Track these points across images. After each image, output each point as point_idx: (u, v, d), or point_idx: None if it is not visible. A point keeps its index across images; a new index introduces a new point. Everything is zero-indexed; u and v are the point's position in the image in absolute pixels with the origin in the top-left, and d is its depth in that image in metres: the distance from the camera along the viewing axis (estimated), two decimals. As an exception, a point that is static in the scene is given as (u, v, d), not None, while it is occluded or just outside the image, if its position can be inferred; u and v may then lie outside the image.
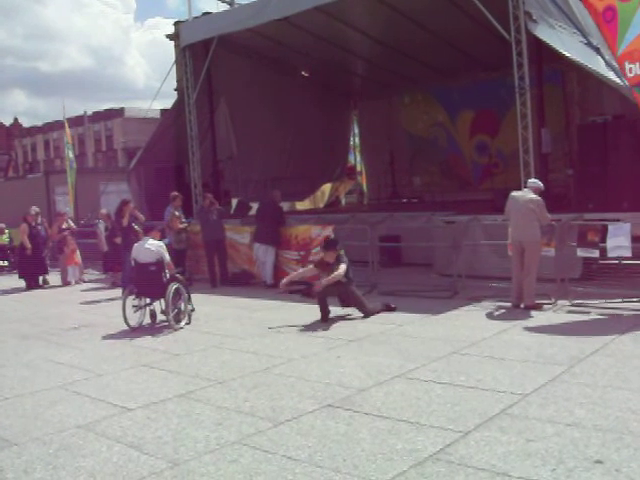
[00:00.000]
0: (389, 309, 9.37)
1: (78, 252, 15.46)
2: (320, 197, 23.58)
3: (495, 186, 18.12)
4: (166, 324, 9.23)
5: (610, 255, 8.84)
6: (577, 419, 4.78)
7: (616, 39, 8.35)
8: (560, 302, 9.08)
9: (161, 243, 9.71)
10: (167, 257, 9.53)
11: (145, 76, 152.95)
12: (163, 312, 9.31)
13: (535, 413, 4.98)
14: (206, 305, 10.63)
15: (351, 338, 7.93)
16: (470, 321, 8.52)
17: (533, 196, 8.98)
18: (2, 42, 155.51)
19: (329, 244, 9.62)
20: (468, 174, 21.30)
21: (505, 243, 9.43)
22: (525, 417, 4.91)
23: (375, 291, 10.84)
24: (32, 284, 14.86)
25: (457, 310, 9.27)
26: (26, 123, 79.29)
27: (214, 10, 17.21)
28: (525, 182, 9.90)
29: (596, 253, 9.02)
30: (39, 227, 15.32)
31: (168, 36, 36.14)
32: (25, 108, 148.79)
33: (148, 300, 9.48)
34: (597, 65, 10.11)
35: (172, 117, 17.92)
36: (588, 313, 8.54)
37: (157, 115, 40.58)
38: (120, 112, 61.87)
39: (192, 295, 9.80)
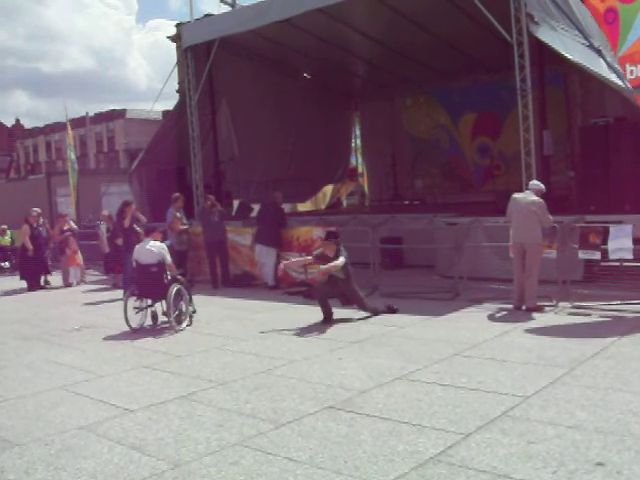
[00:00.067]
0: (391, 311, 9.37)
1: (79, 253, 15.49)
2: (322, 199, 23.57)
3: (497, 188, 18.11)
4: (167, 325, 9.23)
5: (612, 257, 8.85)
6: (578, 421, 4.78)
7: (617, 41, 8.38)
8: (561, 304, 9.08)
9: (163, 244, 9.71)
10: (168, 258, 9.53)
11: (147, 77, 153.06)
12: (164, 313, 9.32)
13: (536, 415, 4.97)
14: (207, 306, 10.64)
15: (353, 340, 7.93)
16: (472, 323, 8.52)
17: (535, 198, 8.98)
18: (4, 43, 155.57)
19: (329, 234, 9.64)
20: (470, 176, 21.30)
21: (507, 245, 9.43)
22: (526, 419, 4.91)
23: (377, 293, 10.83)
24: (33, 285, 14.87)
25: (459, 312, 9.27)
26: (28, 124, 79.32)
27: (216, 12, 17.26)
28: (527, 184, 9.90)
29: (598, 255, 9.01)
30: (40, 228, 15.35)
31: (170, 38, 36.26)
32: (27, 109, 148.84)
33: (149, 301, 9.49)
34: (599, 67, 10.12)
35: (174, 118, 17.92)
36: (589, 315, 8.53)
37: (159, 116, 40.66)
38: (122, 113, 61.91)
39: (193, 296, 9.80)
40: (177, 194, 13.90)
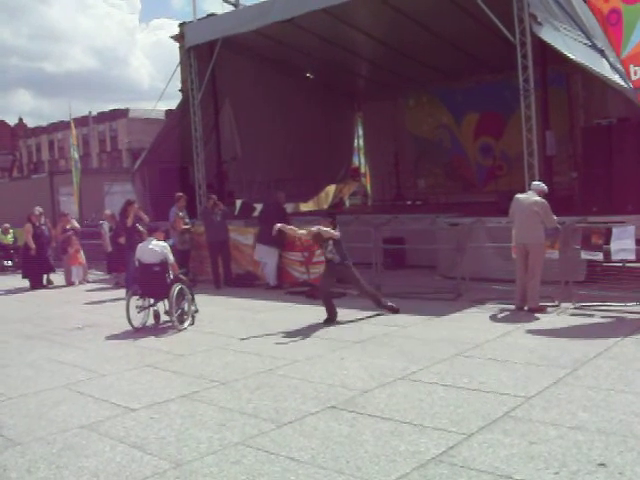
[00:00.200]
0: (393, 310, 9.36)
1: (82, 252, 15.50)
2: (324, 198, 23.57)
3: (499, 188, 18.10)
4: (170, 325, 9.24)
5: (614, 258, 8.84)
6: (580, 422, 4.78)
7: (621, 42, 8.36)
8: (564, 305, 9.07)
9: (165, 244, 9.72)
10: (171, 258, 9.53)
11: (150, 77, 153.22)
12: (167, 313, 9.32)
13: (538, 416, 4.97)
14: (210, 306, 10.64)
15: (355, 340, 7.93)
16: (474, 323, 8.51)
17: (537, 198, 8.97)
18: (7, 42, 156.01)
19: (328, 214, 9.62)
20: (472, 176, 21.29)
21: (509, 245, 9.42)
22: (528, 420, 4.90)
23: (379, 293, 10.81)
24: (36, 284, 14.89)
25: (461, 312, 9.27)
26: (31, 123, 79.69)
27: (219, 11, 17.26)
28: (529, 185, 9.89)
29: (600, 256, 9.01)
30: (43, 227, 15.36)
31: (173, 37, 36.31)
32: (30, 108, 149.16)
33: (152, 301, 9.49)
34: (602, 68, 10.11)
35: (177, 118, 17.94)
36: (592, 316, 8.53)
37: (162, 116, 40.67)
38: (125, 113, 61.98)
39: (196, 296, 9.81)
40: (180, 193, 13.92)
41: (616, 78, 9.64)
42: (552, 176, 12.77)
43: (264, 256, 12.68)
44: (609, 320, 8.28)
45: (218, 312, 10.38)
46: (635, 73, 8.31)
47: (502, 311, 9.14)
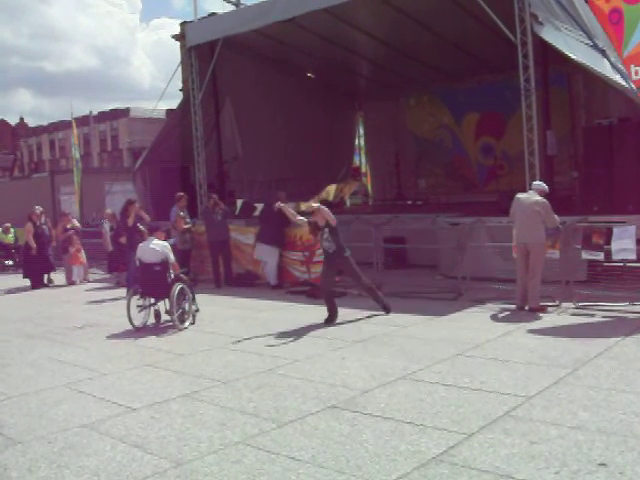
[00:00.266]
0: (386, 309, 9.31)
1: (83, 252, 15.52)
2: (325, 198, 23.56)
3: (500, 188, 18.11)
4: (170, 324, 9.24)
5: (615, 258, 8.84)
6: (581, 422, 4.78)
7: (622, 41, 8.37)
8: (564, 304, 9.07)
9: (166, 243, 9.72)
10: (172, 257, 9.54)
11: (151, 76, 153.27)
12: (167, 312, 9.32)
13: (539, 415, 4.97)
14: (210, 305, 10.65)
15: (355, 339, 7.93)
16: (474, 323, 8.51)
17: (538, 198, 8.97)
18: (7, 42, 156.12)
19: (325, 204, 9.63)
20: (473, 176, 21.29)
21: (510, 245, 9.42)
22: (529, 419, 4.90)
23: (380, 292, 10.82)
24: (37, 283, 14.90)
25: (461, 312, 9.27)
26: (31, 123, 79.66)
27: (220, 10, 17.28)
28: (530, 184, 9.89)
29: (601, 256, 9.01)
30: (43, 226, 15.37)
31: (174, 36, 36.28)
32: (30, 108, 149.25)
33: (152, 300, 9.50)
34: (603, 68, 10.11)
35: (177, 117, 17.94)
36: (592, 316, 8.53)
37: (162, 115, 40.64)
38: (125, 112, 61.97)
39: (196, 295, 9.81)
40: (181, 193, 13.92)
41: (617, 78, 9.65)
42: (553, 176, 12.77)
43: (265, 255, 12.69)
44: (610, 320, 8.29)
45: (219, 311, 10.38)
46: (636, 73, 8.32)
47: (503, 311, 9.13)
